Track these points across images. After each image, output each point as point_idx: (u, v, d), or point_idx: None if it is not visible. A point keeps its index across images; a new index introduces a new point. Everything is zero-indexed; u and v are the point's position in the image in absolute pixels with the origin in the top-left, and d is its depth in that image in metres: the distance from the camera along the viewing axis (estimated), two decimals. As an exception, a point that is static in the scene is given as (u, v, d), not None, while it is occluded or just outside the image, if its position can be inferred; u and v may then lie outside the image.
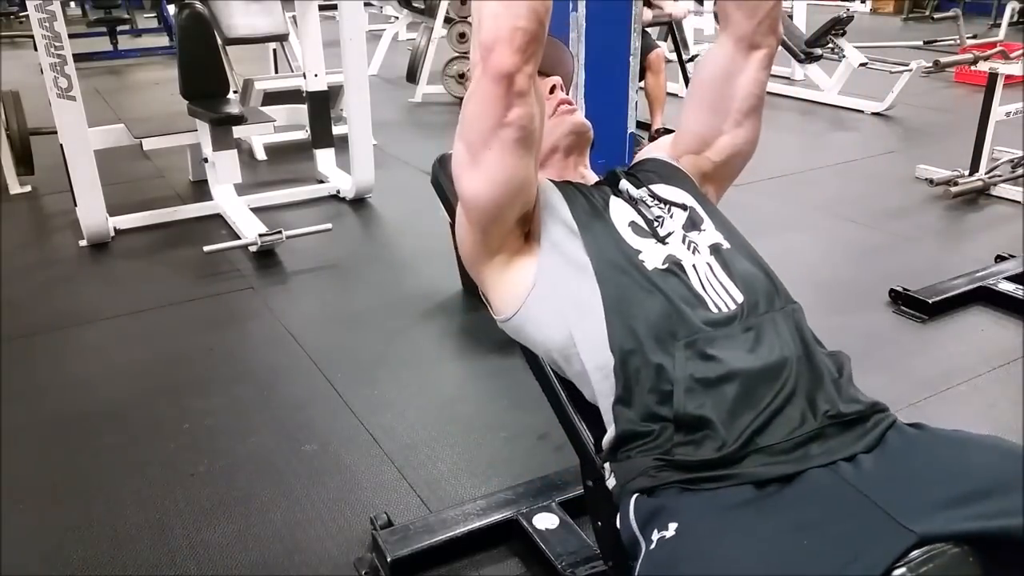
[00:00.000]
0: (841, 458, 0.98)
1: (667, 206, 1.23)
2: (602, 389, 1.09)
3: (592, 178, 1.34)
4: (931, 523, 0.85)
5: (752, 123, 1.30)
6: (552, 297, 1.15)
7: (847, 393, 1.06)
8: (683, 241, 1.16)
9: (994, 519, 0.85)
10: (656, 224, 1.19)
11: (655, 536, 0.93)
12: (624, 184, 1.27)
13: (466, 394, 2.37)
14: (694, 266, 1.13)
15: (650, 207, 1.23)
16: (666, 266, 1.12)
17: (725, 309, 1.08)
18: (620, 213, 1.20)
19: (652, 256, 1.13)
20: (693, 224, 1.20)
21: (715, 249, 1.16)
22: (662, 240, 1.16)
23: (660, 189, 1.26)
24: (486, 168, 1.10)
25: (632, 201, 1.23)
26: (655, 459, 1.01)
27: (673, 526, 0.92)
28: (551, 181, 1.25)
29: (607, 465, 1.08)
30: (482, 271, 1.24)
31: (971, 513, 0.86)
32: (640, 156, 1.40)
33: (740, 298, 1.10)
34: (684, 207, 1.22)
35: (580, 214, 1.17)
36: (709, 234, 1.18)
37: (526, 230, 1.20)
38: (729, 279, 1.12)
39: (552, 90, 1.33)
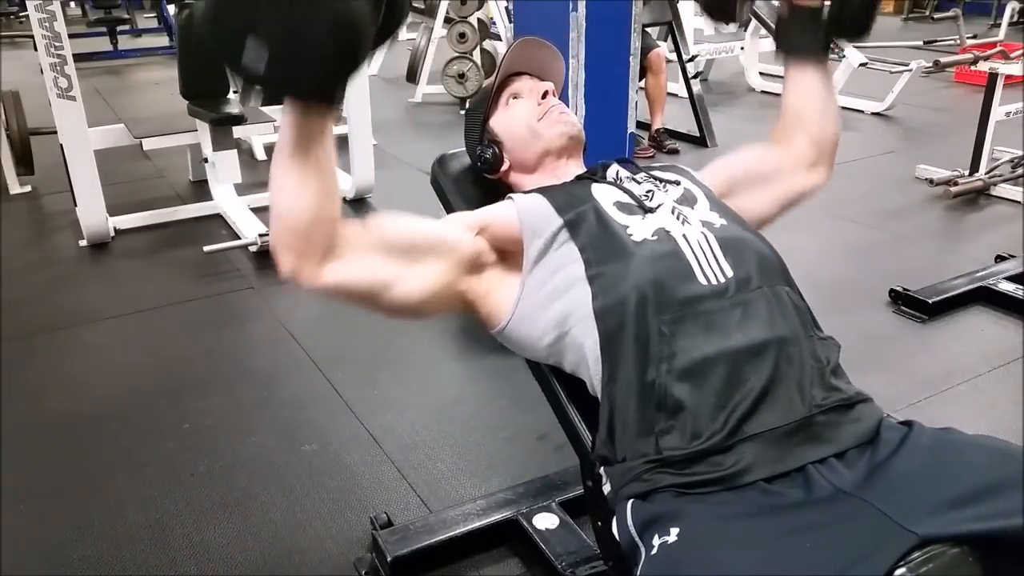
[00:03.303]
0: (834, 454, 0.98)
1: (661, 183, 1.24)
2: (595, 372, 1.09)
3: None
4: (932, 524, 0.85)
5: (777, 213, 1.39)
6: (540, 289, 1.15)
7: (829, 382, 1.05)
8: (672, 212, 1.16)
9: (994, 519, 0.85)
10: (645, 198, 1.19)
11: (656, 541, 0.92)
12: (614, 168, 1.28)
13: (466, 394, 2.38)
14: (684, 236, 1.12)
15: (640, 183, 1.23)
16: (655, 237, 1.12)
17: (715, 281, 1.08)
18: (604, 195, 1.20)
19: (640, 229, 1.13)
20: (686, 200, 1.20)
21: (707, 224, 1.15)
22: (650, 211, 1.16)
23: (657, 172, 1.28)
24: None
25: (618, 181, 1.24)
26: (645, 462, 1.00)
27: (675, 531, 0.91)
28: (532, 191, 1.25)
29: (602, 470, 1.08)
30: (467, 310, 1.24)
31: (971, 514, 0.86)
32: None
33: (731, 272, 1.09)
34: (677, 183, 1.24)
35: (560, 203, 1.18)
36: (701, 212, 1.18)
37: (496, 258, 1.21)
38: (720, 252, 1.11)
39: (544, 95, 1.34)
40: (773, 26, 1.35)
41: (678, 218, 1.15)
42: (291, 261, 1.03)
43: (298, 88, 0.96)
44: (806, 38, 1.32)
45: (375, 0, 0.94)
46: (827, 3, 1.29)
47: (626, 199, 1.19)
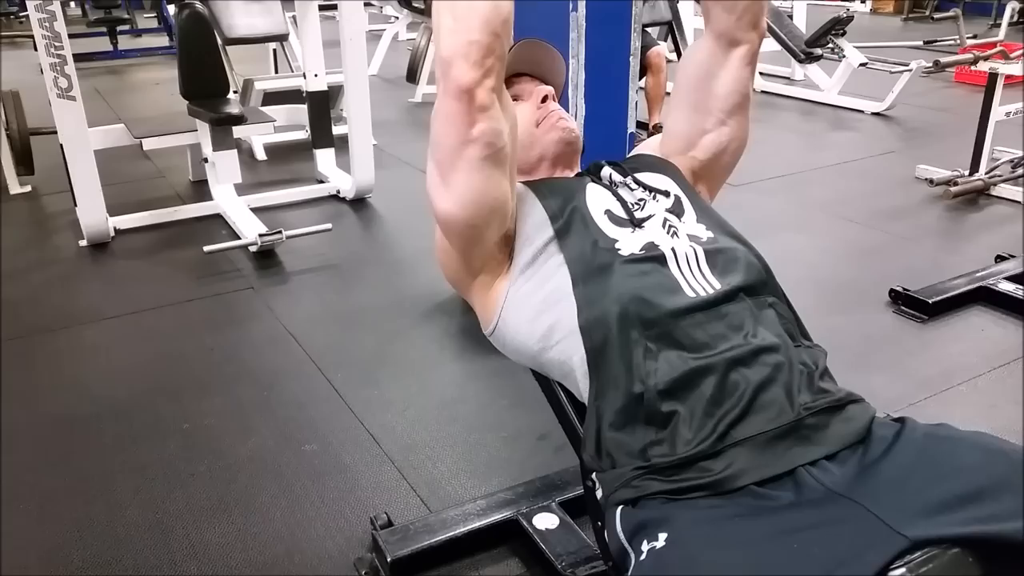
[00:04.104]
0: (824, 456, 0.97)
1: (651, 192, 1.22)
2: (583, 387, 1.09)
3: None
4: (922, 527, 0.84)
5: (737, 121, 1.29)
6: (527, 300, 1.15)
7: (817, 385, 1.05)
8: (663, 225, 1.16)
9: (987, 523, 0.84)
10: (636, 207, 1.18)
11: (645, 547, 0.92)
12: (607, 171, 1.27)
13: (466, 394, 2.37)
14: (673, 250, 1.12)
15: (632, 191, 1.22)
16: (643, 252, 1.11)
17: (703, 294, 1.08)
18: (597, 201, 1.19)
19: (629, 244, 1.13)
20: (676, 211, 1.20)
21: (694, 237, 1.15)
22: (639, 224, 1.15)
23: (645, 177, 1.25)
24: (456, 188, 1.09)
25: (612, 185, 1.23)
26: (634, 468, 1.00)
27: (663, 536, 0.91)
28: (524, 183, 1.24)
29: (593, 476, 1.08)
30: (465, 290, 1.24)
31: (963, 517, 0.85)
32: (631, 154, 1.40)
33: (717, 285, 1.09)
34: (668, 194, 1.22)
35: (554, 210, 1.17)
36: (689, 225, 1.18)
37: (509, 249, 1.19)
38: (707, 265, 1.11)
39: (544, 99, 1.33)
40: None
41: (668, 231, 1.15)
42: (475, 74, 0.99)
43: None
44: None
45: None
46: None
47: (618, 209, 1.18)
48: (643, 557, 0.92)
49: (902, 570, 0.81)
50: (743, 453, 0.97)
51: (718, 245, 1.15)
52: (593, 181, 1.24)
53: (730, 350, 1.03)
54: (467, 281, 1.23)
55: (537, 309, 1.14)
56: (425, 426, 2.16)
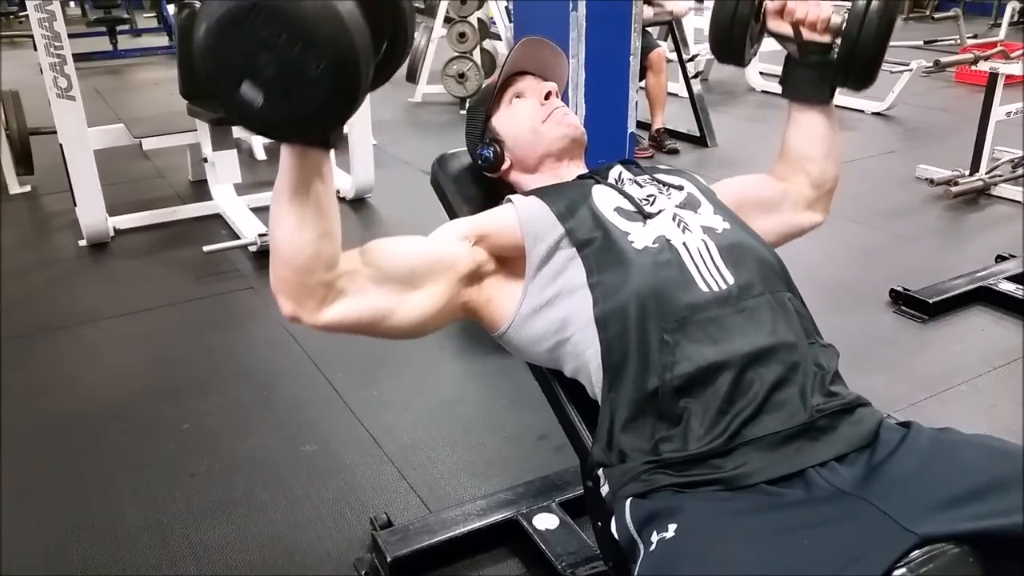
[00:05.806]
0: (834, 457, 0.98)
1: (665, 186, 1.23)
2: (596, 381, 1.09)
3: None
4: (931, 524, 0.85)
5: (774, 244, 1.32)
6: (541, 294, 1.15)
7: (829, 388, 1.05)
8: (673, 219, 1.16)
9: (993, 518, 0.85)
10: (645, 202, 1.19)
11: (654, 538, 0.92)
12: (617, 170, 1.27)
13: (466, 394, 2.37)
14: (684, 244, 1.12)
15: (643, 187, 1.23)
16: (656, 245, 1.12)
17: (716, 288, 1.08)
18: (604, 200, 1.19)
19: (641, 237, 1.13)
20: (689, 205, 1.20)
21: (708, 230, 1.15)
22: (649, 216, 1.16)
23: (661, 175, 1.27)
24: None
25: (619, 183, 1.23)
26: (644, 463, 1.00)
27: (673, 527, 0.91)
28: (530, 193, 1.25)
29: (600, 472, 1.08)
30: (481, 308, 1.23)
31: (970, 513, 0.86)
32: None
33: (732, 279, 1.09)
34: (681, 188, 1.23)
35: (562, 210, 1.17)
36: (705, 217, 1.18)
37: (512, 261, 1.19)
38: (721, 258, 1.11)
39: (547, 96, 1.33)
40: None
41: (679, 225, 1.15)
42: (290, 306, 1.04)
43: (296, 129, 0.93)
44: (813, 83, 1.33)
45: (376, 37, 0.92)
46: (835, 45, 1.30)
47: (626, 205, 1.18)
48: (652, 548, 0.92)
49: (903, 570, 0.82)
50: (753, 453, 0.98)
51: (732, 239, 1.15)
52: (598, 182, 1.24)
53: (747, 345, 1.03)
54: (469, 311, 1.23)
55: (552, 302, 1.14)
56: (425, 426, 2.16)
